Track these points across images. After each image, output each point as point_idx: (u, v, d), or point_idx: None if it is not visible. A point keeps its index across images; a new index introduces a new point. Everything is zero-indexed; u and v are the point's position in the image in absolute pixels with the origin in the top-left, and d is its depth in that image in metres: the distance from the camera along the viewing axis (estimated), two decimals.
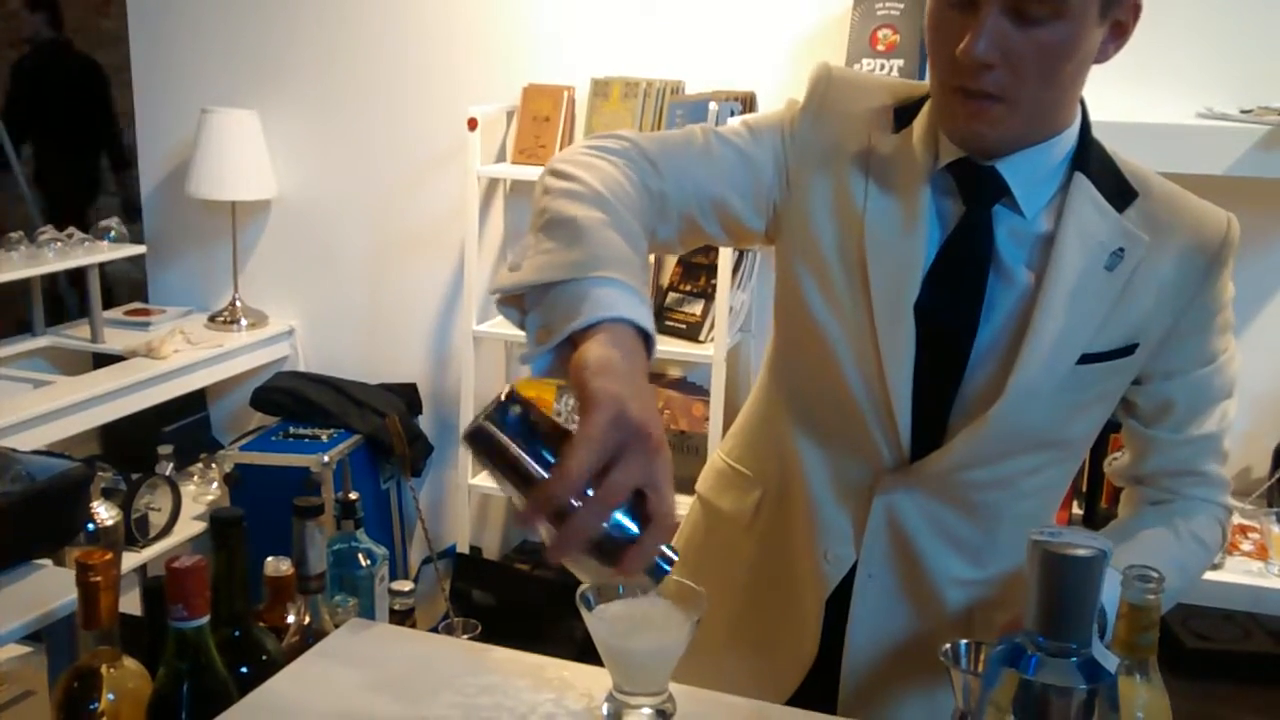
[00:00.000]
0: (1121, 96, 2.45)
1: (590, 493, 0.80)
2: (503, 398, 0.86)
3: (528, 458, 0.84)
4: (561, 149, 2.77)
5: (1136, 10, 1.08)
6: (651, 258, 2.78)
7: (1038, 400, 1.12)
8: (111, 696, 1.02)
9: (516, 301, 0.96)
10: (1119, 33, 1.08)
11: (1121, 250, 1.12)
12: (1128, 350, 1.14)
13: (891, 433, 1.16)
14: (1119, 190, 1.14)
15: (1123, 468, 1.28)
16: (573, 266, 0.92)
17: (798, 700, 1.21)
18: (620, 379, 0.83)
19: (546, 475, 0.83)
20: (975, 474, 1.17)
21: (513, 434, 0.84)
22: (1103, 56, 1.09)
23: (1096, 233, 1.12)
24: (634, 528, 0.83)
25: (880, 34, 2.46)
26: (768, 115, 1.23)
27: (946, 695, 1.02)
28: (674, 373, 2.94)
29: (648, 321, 0.90)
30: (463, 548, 2.97)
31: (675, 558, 0.87)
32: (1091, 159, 1.14)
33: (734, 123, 1.23)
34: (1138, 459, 1.25)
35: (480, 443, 0.85)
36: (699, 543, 1.37)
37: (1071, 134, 1.14)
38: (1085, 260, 1.12)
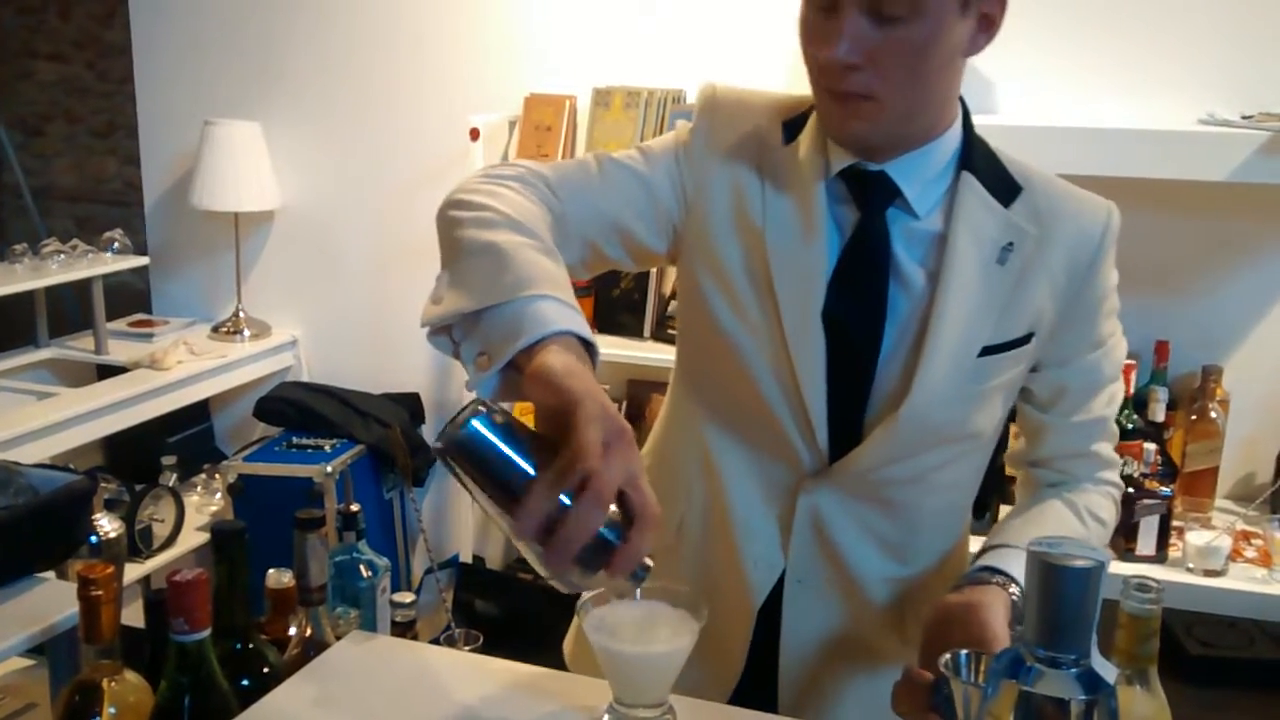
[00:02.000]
0: (1123, 103, 2.46)
1: (566, 500, 0.80)
2: (479, 406, 0.85)
3: (515, 459, 0.84)
4: (563, 158, 2.80)
5: (1003, 2, 1.09)
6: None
7: (944, 395, 1.15)
8: (113, 710, 1.02)
9: (447, 332, 0.97)
10: (988, 25, 1.10)
11: (1011, 244, 1.16)
12: (1025, 340, 1.18)
13: (809, 437, 1.19)
14: (1005, 186, 1.18)
15: (1019, 453, 1.31)
16: (504, 289, 0.92)
17: (737, 698, 1.23)
18: (588, 380, 0.85)
19: (534, 476, 0.82)
20: (892, 471, 1.19)
21: (494, 438, 0.84)
22: (973, 49, 1.11)
23: (986, 229, 1.15)
24: (612, 532, 0.83)
25: None
26: (661, 139, 1.25)
27: (883, 692, 1.04)
28: None
29: (588, 333, 0.91)
30: (465, 558, 2.97)
31: (651, 563, 0.87)
32: (976, 157, 1.18)
33: (628, 149, 1.24)
34: (1033, 443, 1.28)
35: (462, 450, 0.84)
36: None
37: (955, 133, 1.17)
38: (977, 257, 1.15)
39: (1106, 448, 1.28)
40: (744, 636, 1.26)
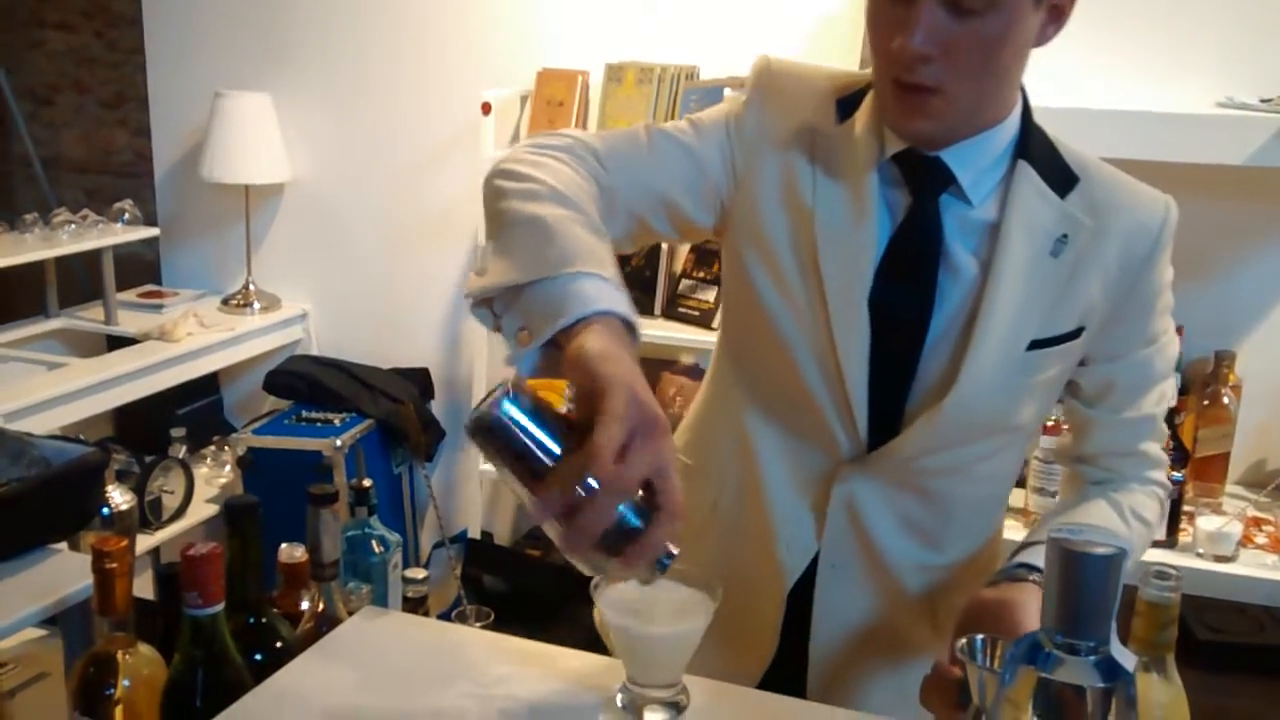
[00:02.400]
0: (1141, 87, 2.44)
1: (594, 483, 0.80)
2: (509, 386, 0.85)
3: (544, 441, 0.83)
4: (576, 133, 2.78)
5: None
6: (665, 245, 2.77)
7: (990, 387, 1.14)
8: (127, 683, 1.03)
9: (488, 304, 0.95)
10: (1057, 15, 1.08)
11: (1066, 236, 1.13)
12: (1075, 334, 1.16)
13: (849, 423, 1.17)
14: (1061, 176, 1.15)
15: (1065, 448, 1.29)
16: (547, 264, 0.91)
17: (767, 683, 1.23)
18: (625, 366, 0.83)
19: (560, 460, 0.82)
20: (931, 461, 1.18)
21: (523, 421, 0.84)
22: (1042, 40, 1.09)
23: (1041, 220, 1.13)
24: (638, 518, 0.83)
25: None
26: (712, 111, 1.23)
27: (912, 681, 1.04)
28: (686, 359, 2.93)
29: (632, 313, 0.90)
30: (474, 533, 2.97)
31: (676, 551, 0.87)
32: (1034, 145, 1.15)
33: (679, 120, 1.22)
34: (1079, 439, 1.26)
35: (491, 432, 0.84)
36: None
37: (1013, 121, 1.14)
38: (1031, 248, 1.13)
39: (1154, 447, 1.25)
40: (775, 620, 1.25)
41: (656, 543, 0.83)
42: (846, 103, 1.18)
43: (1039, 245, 1.13)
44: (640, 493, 0.82)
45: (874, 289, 1.14)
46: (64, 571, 1.42)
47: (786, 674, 1.25)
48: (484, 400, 0.85)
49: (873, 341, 1.14)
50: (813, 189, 1.16)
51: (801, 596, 1.25)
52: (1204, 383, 2.43)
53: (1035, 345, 1.14)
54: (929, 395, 1.15)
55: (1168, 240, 1.17)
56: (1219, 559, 2.19)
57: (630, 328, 0.89)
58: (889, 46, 1.04)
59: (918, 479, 1.20)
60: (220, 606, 0.99)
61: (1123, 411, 1.21)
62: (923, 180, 1.13)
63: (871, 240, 1.14)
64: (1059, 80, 2.50)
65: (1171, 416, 2.34)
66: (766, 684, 1.24)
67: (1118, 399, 1.21)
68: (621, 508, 0.81)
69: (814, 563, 1.24)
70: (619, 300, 0.89)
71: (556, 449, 0.83)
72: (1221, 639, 2.15)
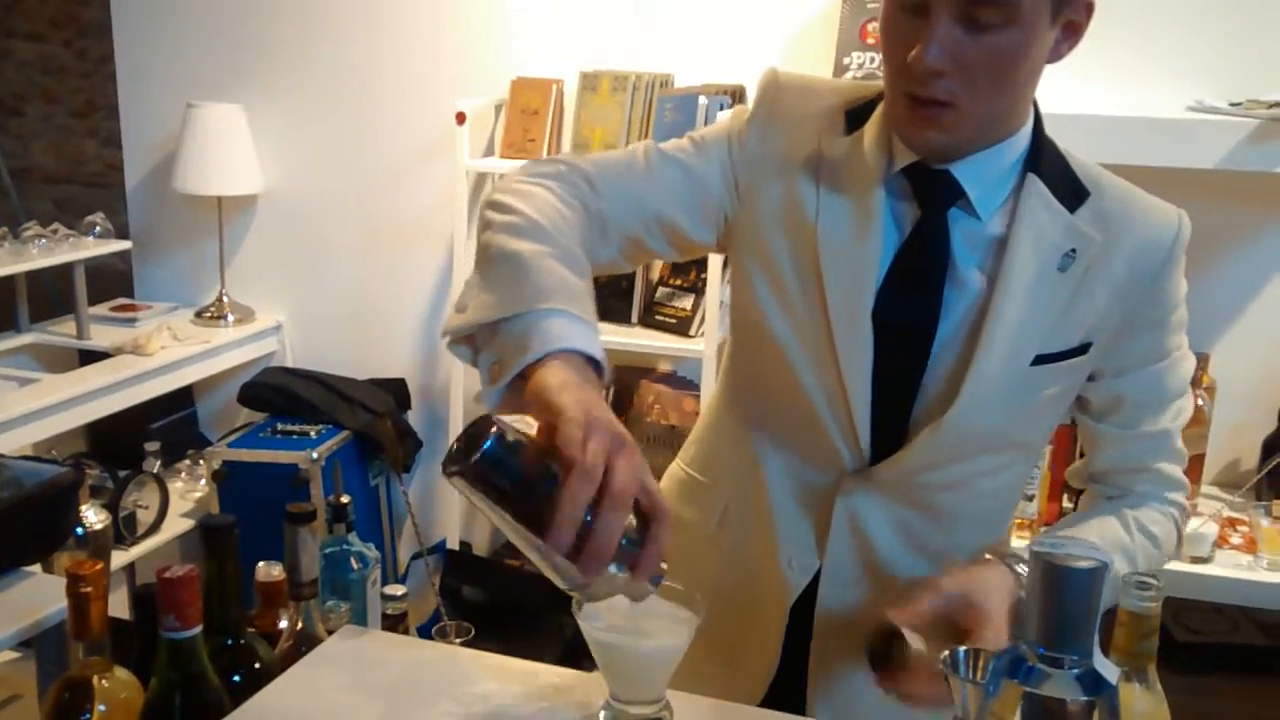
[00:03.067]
0: (1111, 90, 2.45)
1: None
2: (491, 430, 0.84)
3: (535, 480, 0.83)
4: (550, 142, 2.78)
5: (1089, 9, 1.07)
6: None
7: (993, 403, 1.13)
8: (103, 707, 1.02)
9: (469, 341, 0.96)
10: (1072, 31, 1.08)
11: (1074, 251, 1.12)
12: (1081, 350, 1.15)
13: (851, 438, 1.17)
14: (1071, 190, 1.14)
15: (1079, 467, 1.29)
16: (517, 301, 0.92)
17: (765, 708, 1.21)
18: (584, 394, 0.85)
19: (554, 492, 0.81)
20: (934, 476, 1.17)
21: (512, 460, 0.84)
22: (1056, 56, 1.09)
23: (1049, 234, 1.12)
24: (626, 538, 0.83)
25: (870, 27, 2.44)
26: (715, 127, 1.22)
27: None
28: (664, 367, 2.93)
29: (597, 350, 0.91)
30: (452, 543, 2.96)
31: (665, 566, 0.87)
32: (1044, 159, 1.14)
33: (681, 139, 1.22)
34: (1091, 456, 1.25)
35: (481, 477, 0.84)
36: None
37: (1024, 135, 1.14)
38: (1037, 262, 1.12)
39: (1171, 468, 1.23)
40: (777, 636, 1.24)
41: (659, 549, 0.84)
42: (855, 115, 1.17)
43: (1046, 260, 1.12)
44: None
45: (878, 303, 1.13)
46: (38, 594, 1.40)
47: (788, 692, 1.24)
48: (463, 444, 0.84)
49: (876, 355, 1.13)
50: (816, 203, 1.15)
51: (803, 613, 1.24)
52: None
53: (1040, 361, 1.13)
54: (932, 409, 1.14)
55: (1180, 254, 1.16)
56: (1195, 560, 2.21)
57: (596, 365, 0.90)
58: (903, 59, 1.03)
59: (921, 494, 1.19)
60: (198, 629, 0.98)
61: (1134, 427, 1.20)
62: (931, 194, 1.13)
63: (876, 254, 1.13)
64: None
65: None
66: (768, 702, 1.23)
67: (1128, 414, 1.20)
68: None
69: (816, 578, 1.23)
70: (585, 337, 0.90)
71: (548, 484, 0.82)
72: (1199, 639, 2.16)
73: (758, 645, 1.26)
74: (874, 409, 1.15)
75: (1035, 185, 1.13)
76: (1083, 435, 1.26)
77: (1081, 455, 1.30)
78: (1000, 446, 1.18)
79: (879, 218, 1.13)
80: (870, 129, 1.16)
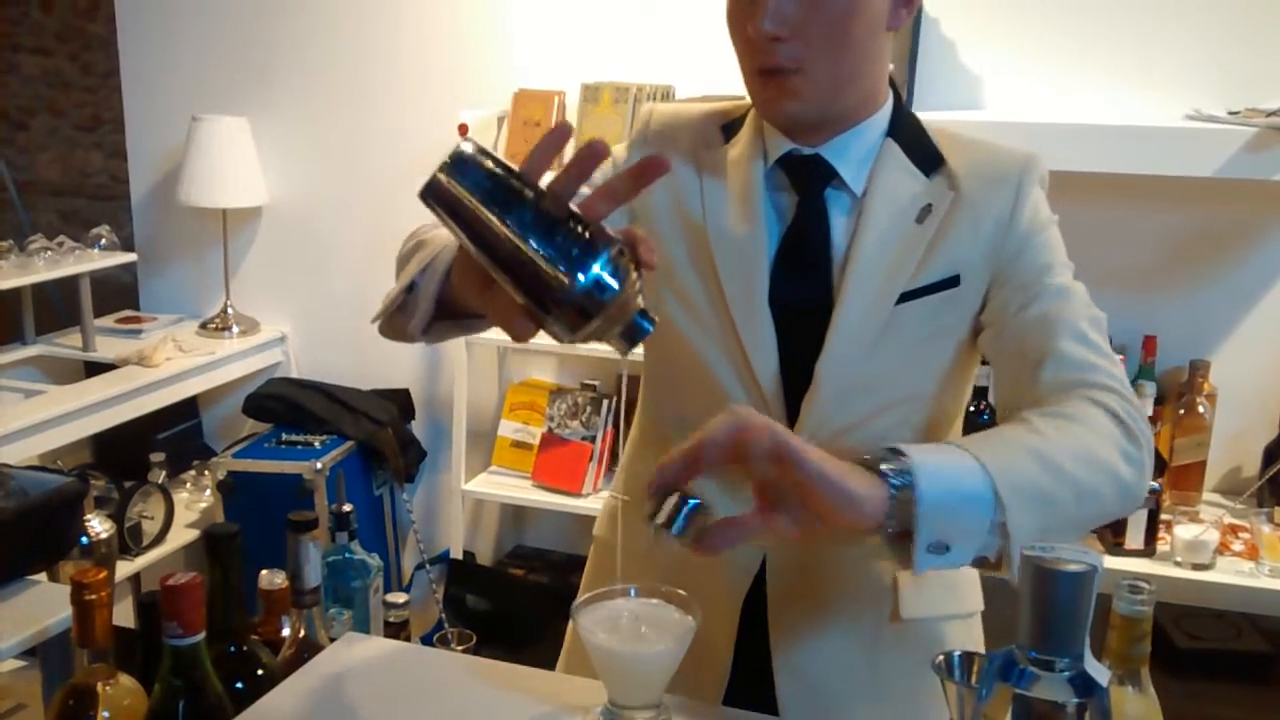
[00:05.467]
0: (1110, 99, 2.47)
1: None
2: (463, 148, 0.84)
3: (515, 174, 0.84)
4: None
5: None
6: None
7: (862, 344, 1.16)
8: (107, 714, 1.02)
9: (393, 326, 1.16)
10: None
11: (930, 206, 1.18)
12: (950, 282, 1.17)
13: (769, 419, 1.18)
14: (928, 158, 1.21)
15: (1005, 400, 1.16)
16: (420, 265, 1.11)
17: (731, 702, 1.22)
18: None
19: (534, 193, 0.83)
20: (845, 441, 1.16)
21: (491, 163, 0.84)
22: (895, 23, 1.16)
23: (904, 192, 1.19)
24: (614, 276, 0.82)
25: None
26: (602, 165, 1.26)
27: (883, 667, 1.10)
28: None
29: None
30: (456, 553, 2.97)
31: (657, 319, 0.87)
32: (902, 130, 1.21)
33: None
34: (995, 381, 1.18)
35: (459, 174, 0.83)
36: (602, 583, 1.21)
37: (885, 113, 1.21)
38: (893, 215, 1.18)
39: (1088, 353, 1.10)
40: (729, 634, 1.25)
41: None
42: (730, 126, 1.26)
43: (903, 214, 1.18)
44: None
45: (774, 289, 1.19)
46: (43, 602, 1.41)
47: (751, 685, 1.25)
48: (442, 164, 0.84)
49: (780, 339, 1.19)
50: (702, 207, 1.23)
51: (754, 607, 1.24)
52: (1179, 392, 2.46)
53: (906, 298, 1.16)
54: None
55: (1029, 185, 1.19)
56: (1196, 567, 2.21)
57: None
58: (746, 36, 1.12)
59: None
60: (201, 636, 0.99)
61: (1024, 310, 1.13)
62: (807, 179, 1.20)
63: (762, 242, 1.19)
64: (1028, 94, 2.53)
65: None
66: (732, 700, 1.23)
67: (1016, 304, 1.14)
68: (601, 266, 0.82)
69: (762, 570, 1.23)
70: None
71: (528, 190, 0.83)
72: (1200, 646, 2.17)
73: (711, 647, 1.25)
74: (785, 390, 1.19)
75: (892, 149, 1.20)
76: (999, 390, 1.17)
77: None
78: (893, 397, 1.19)
79: (759, 209, 1.20)
80: (744, 133, 1.24)
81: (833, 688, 1.25)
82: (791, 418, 1.19)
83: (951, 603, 1.28)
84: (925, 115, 1.27)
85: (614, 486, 1.41)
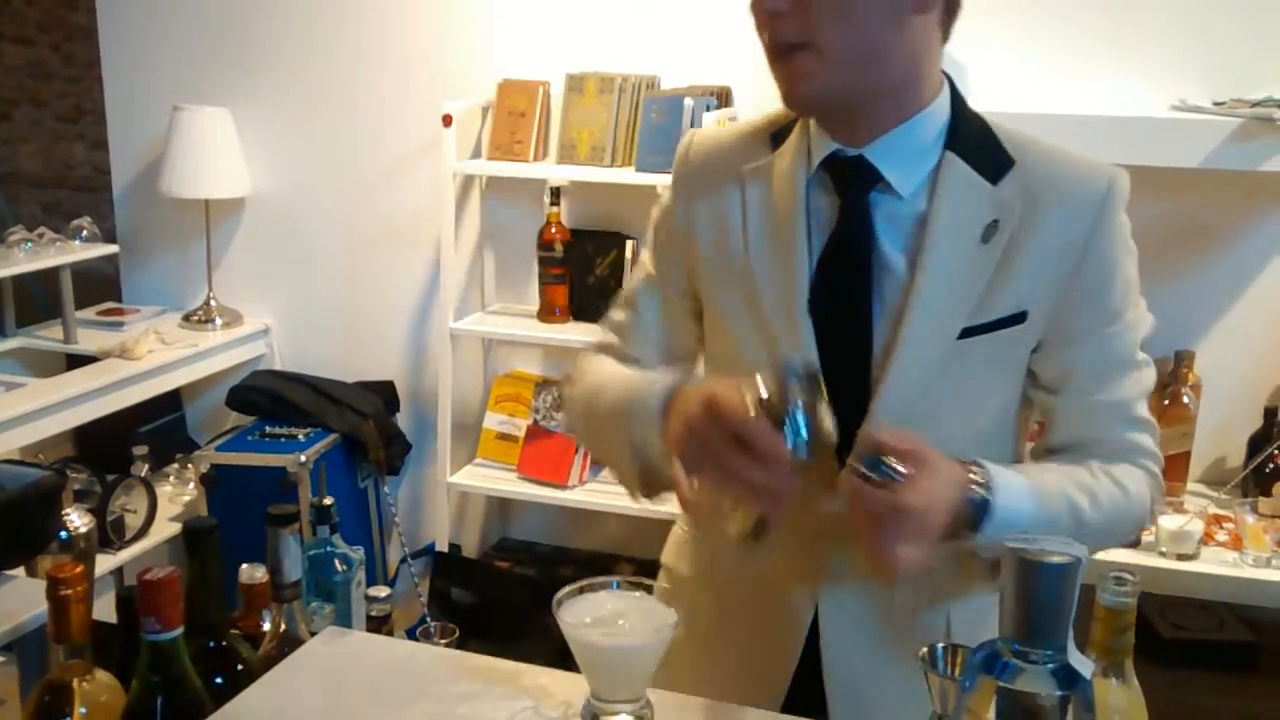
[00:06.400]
0: (1095, 89, 2.46)
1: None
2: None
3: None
4: (536, 145, 2.78)
5: None
6: None
7: (921, 379, 1.13)
8: (84, 710, 1.01)
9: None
10: None
11: (996, 222, 1.12)
12: (1016, 319, 1.14)
13: None
14: (994, 162, 1.14)
15: (1037, 445, 1.24)
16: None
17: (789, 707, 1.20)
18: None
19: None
20: None
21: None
22: (921, 7, 1.08)
23: (969, 209, 1.12)
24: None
25: None
26: (655, 215, 1.31)
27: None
28: None
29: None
30: (441, 546, 2.96)
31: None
32: (964, 134, 1.15)
33: (645, 251, 1.33)
34: (1048, 432, 1.21)
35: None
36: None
37: (939, 109, 1.14)
38: (958, 237, 1.12)
39: (1137, 437, 1.17)
40: (787, 666, 1.23)
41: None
42: (779, 134, 1.22)
43: (967, 233, 1.12)
44: None
45: (814, 299, 1.15)
46: (19, 597, 1.40)
47: (806, 696, 1.22)
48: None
49: (822, 350, 1.14)
50: (743, 220, 1.20)
51: (810, 641, 1.23)
52: (1164, 382, 2.46)
53: (968, 333, 1.12)
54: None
55: (1111, 213, 1.13)
56: (1181, 557, 2.21)
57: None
58: (758, 16, 1.10)
59: None
60: (179, 631, 0.98)
61: (1087, 395, 1.16)
62: (850, 181, 1.15)
63: (803, 249, 1.16)
64: (1012, 84, 2.52)
65: None
66: (788, 702, 1.22)
67: (1080, 383, 1.16)
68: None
69: (816, 615, 1.22)
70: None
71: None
72: (1185, 636, 2.17)
73: (778, 639, 1.24)
74: (834, 405, 1.13)
75: (953, 161, 1.13)
76: (1040, 414, 1.23)
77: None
78: (948, 432, 1.14)
79: (799, 216, 1.16)
80: (791, 139, 1.20)
81: (881, 706, 1.21)
82: (845, 432, 1.13)
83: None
84: None
85: (680, 519, 1.38)
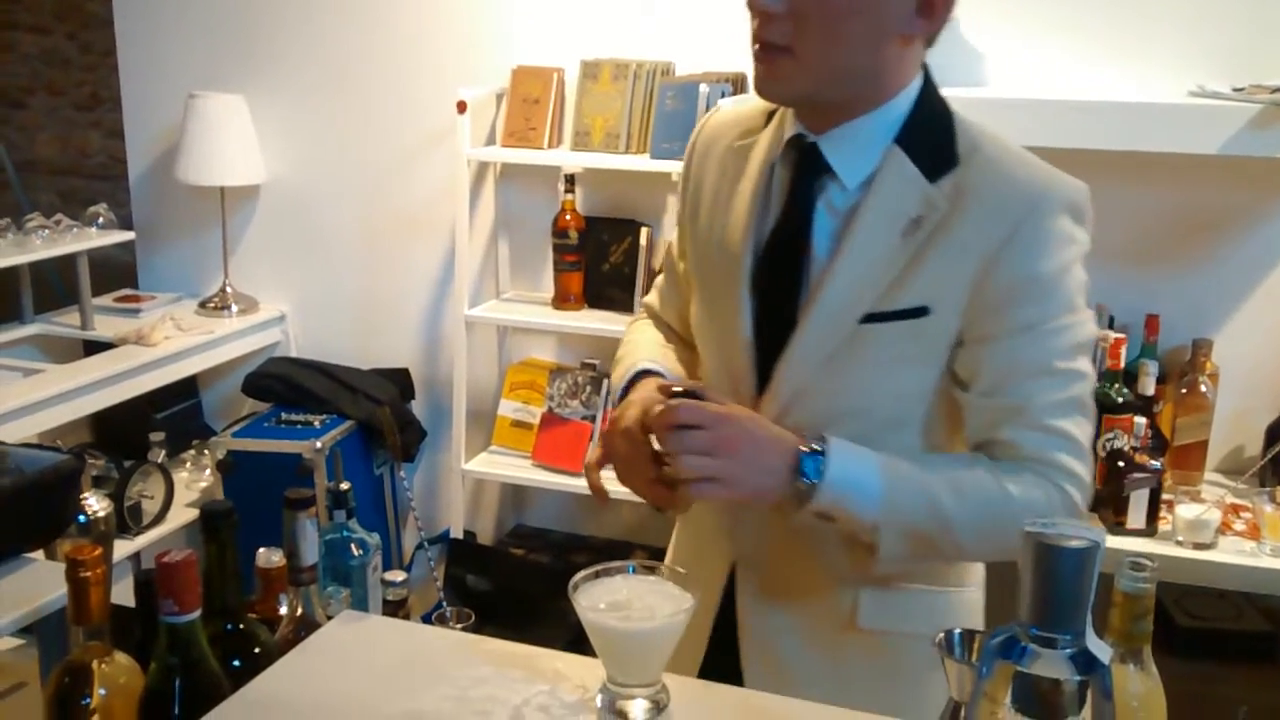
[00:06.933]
0: (1114, 76, 2.45)
1: None
2: None
3: None
4: (551, 131, 2.78)
5: None
6: None
7: (818, 357, 1.17)
8: (103, 692, 1.02)
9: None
10: (928, 9, 1.10)
11: (920, 218, 1.14)
12: (917, 313, 1.14)
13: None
14: (940, 160, 1.15)
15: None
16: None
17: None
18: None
19: None
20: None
21: None
22: (909, 29, 1.11)
23: (898, 202, 1.14)
24: None
25: None
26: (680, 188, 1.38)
27: (849, 668, 1.15)
28: None
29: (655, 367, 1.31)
30: (457, 533, 2.97)
31: None
32: (918, 130, 1.16)
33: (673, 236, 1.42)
34: (966, 425, 1.20)
35: None
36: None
37: (898, 108, 1.16)
38: (880, 228, 1.15)
39: (1048, 448, 1.13)
40: (708, 612, 1.29)
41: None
42: (774, 112, 1.26)
43: (891, 225, 1.14)
44: None
45: (755, 277, 1.21)
46: (39, 580, 1.41)
47: (721, 656, 1.28)
48: None
49: (756, 325, 1.20)
50: (725, 195, 1.25)
51: (728, 591, 1.30)
52: (1181, 371, 2.45)
53: (870, 319, 1.14)
54: None
55: (1037, 223, 1.11)
56: (1198, 546, 2.20)
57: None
58: (751, 6, 1.12)
59: None
60: (196, 613, 0.99)
61: (990, 397, 1.14)
62: (801, 167, 1.19)
63: (749, 229, 1.21)
64: (1031, 70, 2.51)
65: (1150, 405, 2.36)
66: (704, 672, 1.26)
67: (986, 383, 1.14)
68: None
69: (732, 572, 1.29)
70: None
71: None
72: (1201, 625, 2.17)
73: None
74: (759, 383, 1.21)
75: (896, 156, 1.15)
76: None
77: None
78: (845, 409, 1.17)
79: (757, 196, 1.21)
80: (776, 117, 1.24)
81: (796, 680, 1.23)
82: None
83: (912, 621, 1.24)
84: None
85: None
